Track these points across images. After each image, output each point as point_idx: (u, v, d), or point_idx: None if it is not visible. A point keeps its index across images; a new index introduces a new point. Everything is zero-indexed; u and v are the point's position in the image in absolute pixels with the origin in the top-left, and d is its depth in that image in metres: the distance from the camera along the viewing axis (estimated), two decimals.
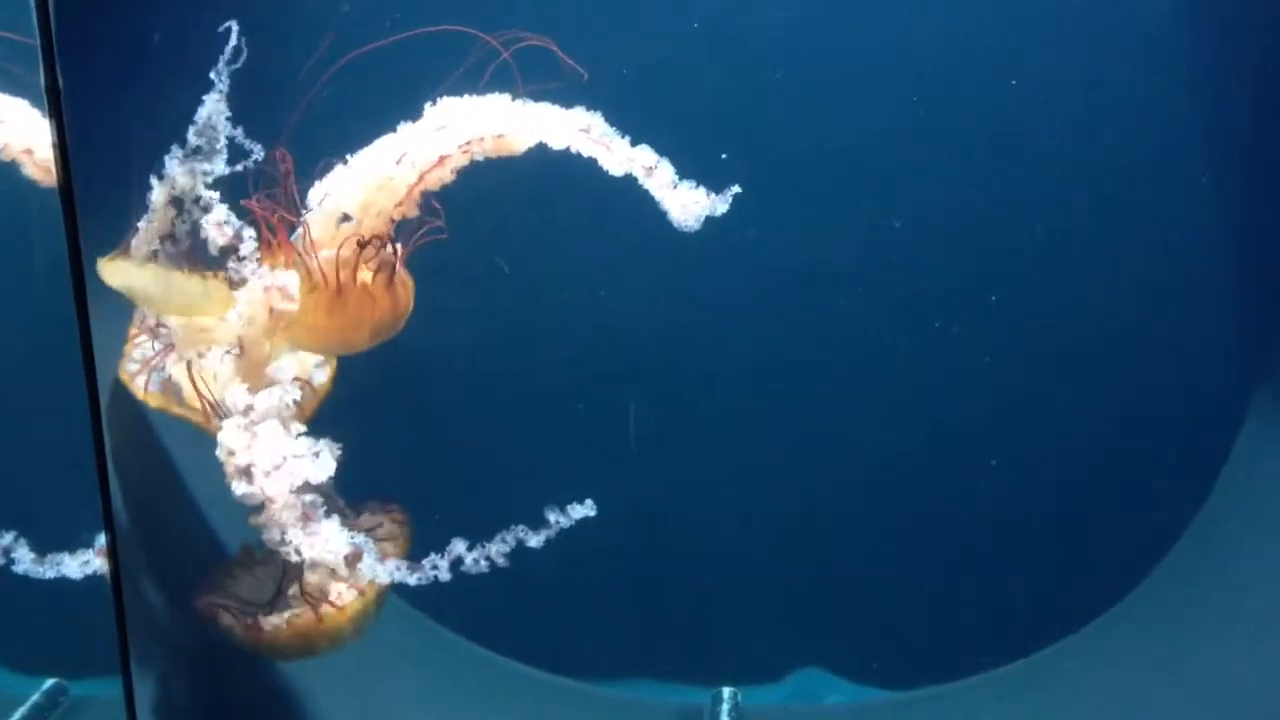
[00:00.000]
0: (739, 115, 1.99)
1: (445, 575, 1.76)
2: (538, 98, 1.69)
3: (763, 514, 2.22)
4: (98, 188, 1.76)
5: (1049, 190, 2.07)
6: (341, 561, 1.78)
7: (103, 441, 1.86)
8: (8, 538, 1.87)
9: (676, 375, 2.17)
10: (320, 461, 1.74)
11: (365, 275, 1.74)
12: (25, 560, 1.88)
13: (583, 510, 1.80)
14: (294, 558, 1.76)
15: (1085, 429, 2.17)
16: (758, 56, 1.98)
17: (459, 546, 1.77)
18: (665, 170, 1.65)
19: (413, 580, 1.79)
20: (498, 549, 1.77)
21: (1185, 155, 2.08)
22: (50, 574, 1.87)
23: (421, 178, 1.71)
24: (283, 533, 1.75)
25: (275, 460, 1.72)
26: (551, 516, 1.80)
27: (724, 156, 1.90)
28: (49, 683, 2.10)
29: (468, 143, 1.69)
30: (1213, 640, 2.14)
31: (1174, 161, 2.08)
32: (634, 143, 1.65)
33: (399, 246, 1.76)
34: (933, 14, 1.98)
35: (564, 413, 2.16)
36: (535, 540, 1.79)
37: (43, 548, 1.88)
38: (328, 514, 1.78)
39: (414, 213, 1.75)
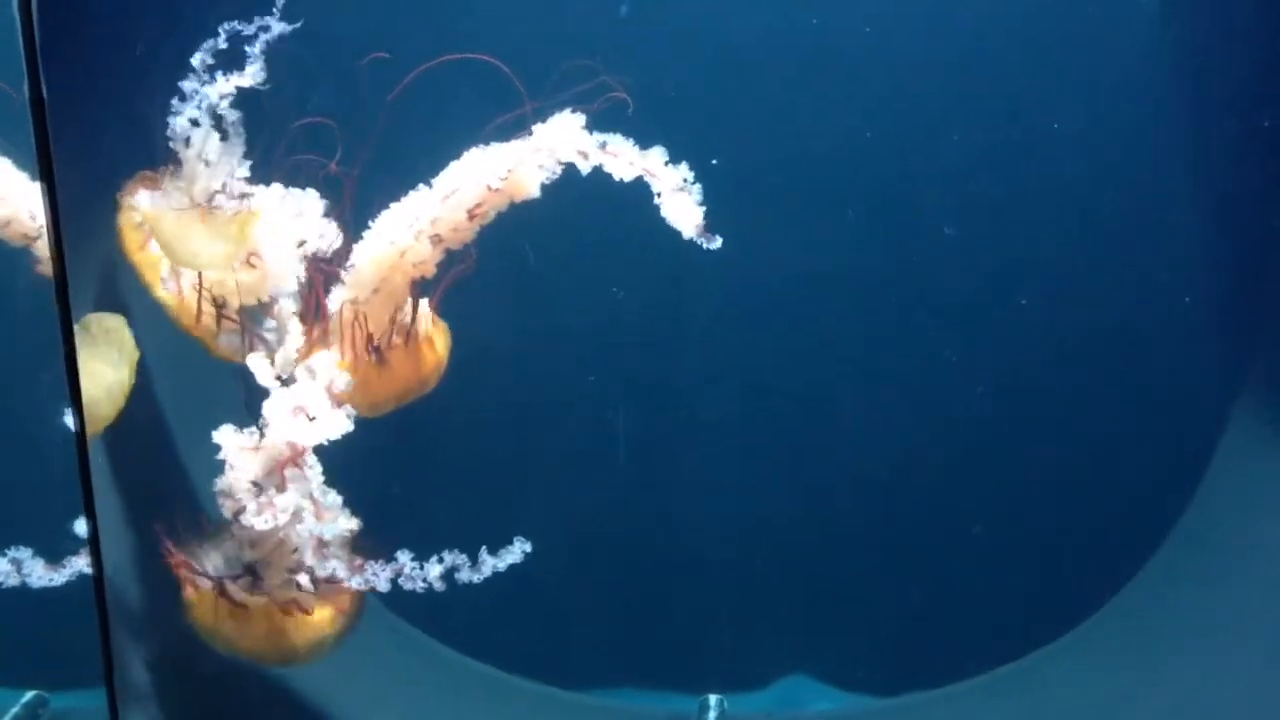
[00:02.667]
0: (741, 122, 2.00)
1: (384, 586, 1.76)
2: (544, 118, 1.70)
3: (748, 520, 2.22)
4: (80, 192, 1.75)
5: (1038, 201, 2.08)
6: (308, 539, 1.77)
7: (85, 448, 1.84)
8: (25, 552, 1.85)
9: (661, 383, 2.17)
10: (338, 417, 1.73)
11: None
12: (37, 569, 1.86)
13: (518, 551, 1.79)
14: (259, 525, 1.74)
15: (1067, 435, 2.18)
16: (755, 62, 1.99)
17: (404, 556, 1.77)
18: (670, 176, 1.67)
19: (353, 583, 1.78)
20: (435, 571, 1.77)
21: (1172, 164, 2.10)
22: (63, 579, 1.85)
23: (440, 244, 1.75)
24: (254, 498, 1.74)
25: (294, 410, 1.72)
26: (489, 560, 1.79)
27: (714, 162, 1.90)
28: (29, 695, 2.07)
29: (478, 205, 1.71)
30: (1198, 644, 2.15)
31: (1161, 170, 2.09)
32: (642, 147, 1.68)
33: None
34: (933, 23, 2.00)
35: (550, 420, 2.15)
36: (471, 575, 1.78)
37: (52, 555, 1.87)
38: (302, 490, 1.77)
39: (433, 273, 1.77)
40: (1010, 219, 2.08)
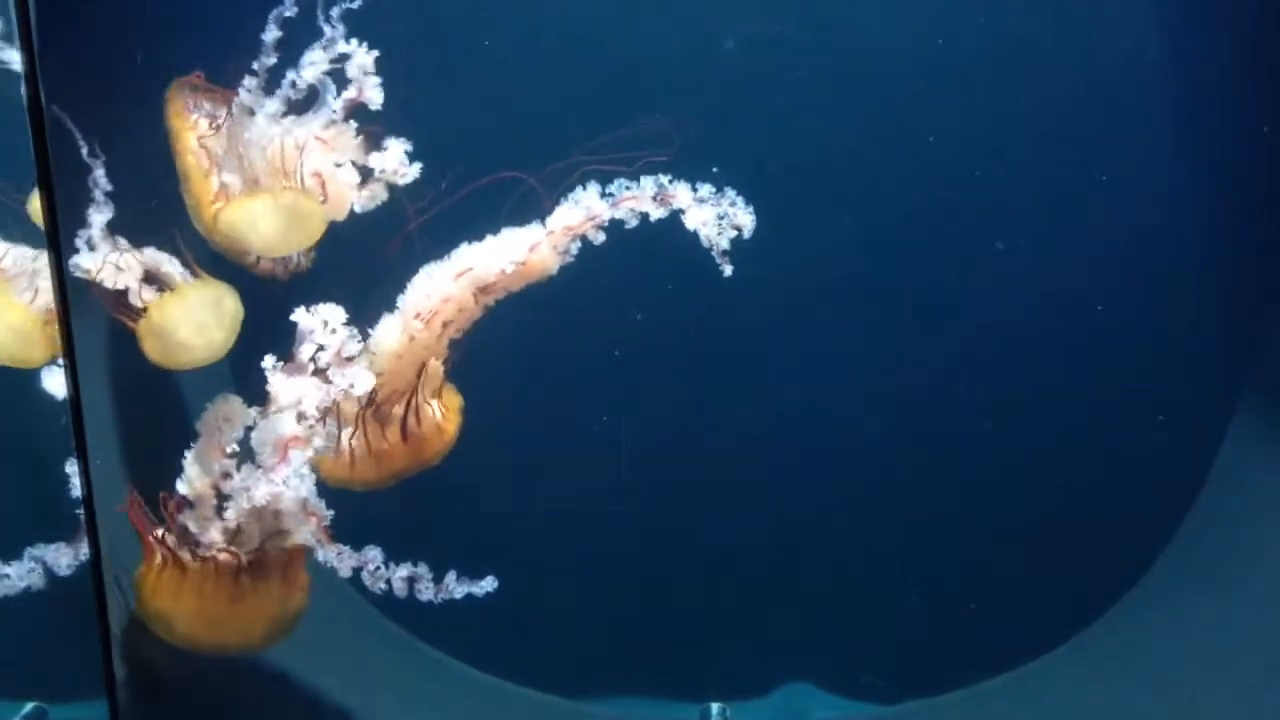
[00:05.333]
0: (752, 135, 2.01)
1: (346, 571, 1.74)
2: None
3: (751, 529, 2.22)
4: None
5: (1038, 203, 2.09)
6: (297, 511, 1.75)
7: (85, 449, 1.82)
8: (53, 550, 1.83)
9: (664, 393, 2.16)
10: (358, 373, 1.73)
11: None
12: (62, 558, 1.84)
13: (484, 586, 1.78)
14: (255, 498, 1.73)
15: (1070, 443, 2.18)
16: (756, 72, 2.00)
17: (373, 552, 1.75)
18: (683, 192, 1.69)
19: (319, 557, 1.76)
20: (402, 574, 1.75)
21: (1171, 164, 2.11)
22: (85, 555, 1.83)
23: (448, 327, 1.76)
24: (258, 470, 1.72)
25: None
26: (460, 588, 1.78)
27: (715, 170, 1.90)
28: (29, 706, 2.06)
29: (490, 285, 1.73)
30: (1200, 650, 2.15)
31: (1160, 170, 2.10)
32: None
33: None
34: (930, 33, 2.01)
35: (554, 430, 2.15)
36: (432, 594, 1.77)
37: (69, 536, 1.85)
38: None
39: (444, 355, 1.79)
40: (1015, 230, 2.09)
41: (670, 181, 1.73)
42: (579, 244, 1.74)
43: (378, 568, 1.75)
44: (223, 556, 1.77)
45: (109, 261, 1.71)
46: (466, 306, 1.76)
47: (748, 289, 1.88)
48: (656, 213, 1.72)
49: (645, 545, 2.21)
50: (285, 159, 1.70)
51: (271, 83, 1.70)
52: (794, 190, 2.02)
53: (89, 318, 1.75)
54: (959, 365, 2.17)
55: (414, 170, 1.72)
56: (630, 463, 2.13)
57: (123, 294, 1.72)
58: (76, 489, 1.82)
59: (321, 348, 1.69)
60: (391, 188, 1.74)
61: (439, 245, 1.75)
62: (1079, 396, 2.16)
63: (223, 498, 1.76)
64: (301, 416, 1.68)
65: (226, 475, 1.74)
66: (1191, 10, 2.05)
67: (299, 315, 1.68)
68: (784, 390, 2.19)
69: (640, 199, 1.72)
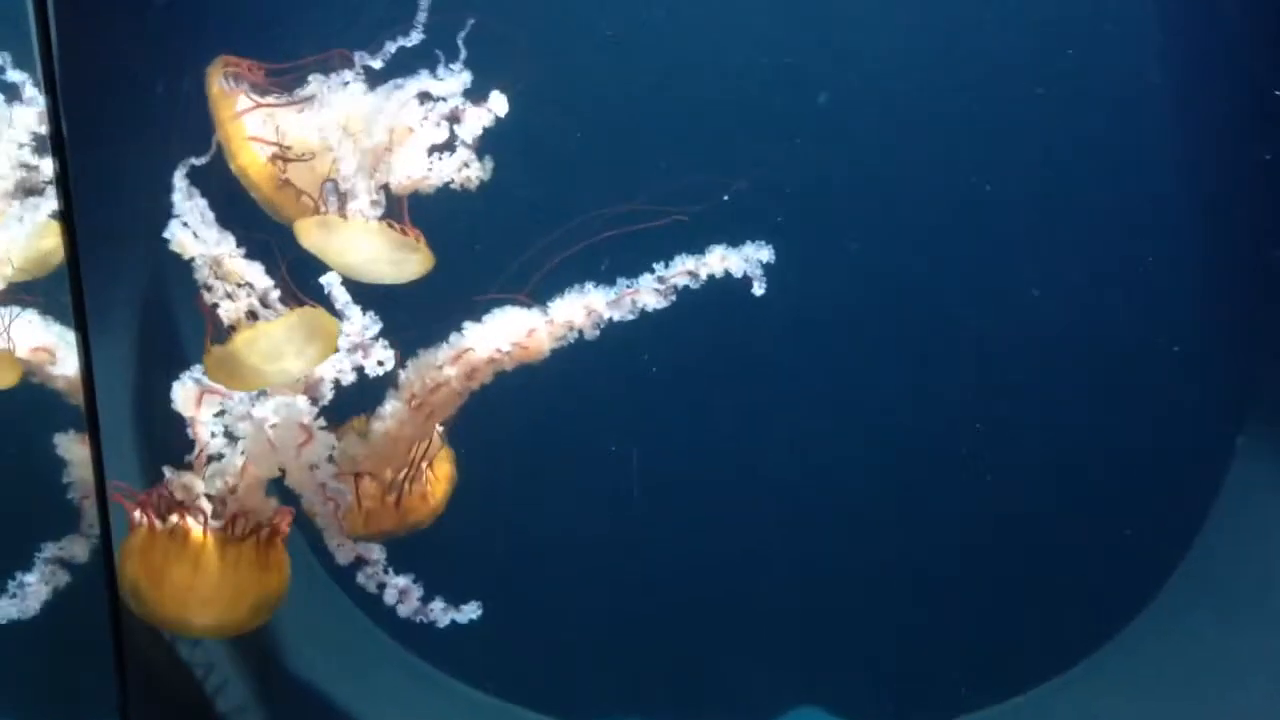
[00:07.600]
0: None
1: (344, 560, 1.74)
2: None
3: (757, 551, 2.22)
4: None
5: (1043, 210, 2.10)
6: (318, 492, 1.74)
7: (103, 473, 1.82)
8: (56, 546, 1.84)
9: (670, 419, 2.18)
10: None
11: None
12: (77, 550, 1.84)
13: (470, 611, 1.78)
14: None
15: (1078, 465, 2.19)
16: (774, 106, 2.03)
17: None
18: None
19: (328, 536, 1.75)
20: (399, 583, 1.75)
21: (1177, 179, 2.13)
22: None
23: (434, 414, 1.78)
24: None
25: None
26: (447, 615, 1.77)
27: (726, 198, 1.92)
28: None
29: (481, 366, 1.74)
30: (1206, 677, 2.15)
31: (1165, 186, 2.12)
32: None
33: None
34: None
35: (562, 455, 2.16)
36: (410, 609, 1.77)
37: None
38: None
39: (428, 435, 1.80)
40: (1023, 241, 2.11)
41: (666, 266, 1.73)
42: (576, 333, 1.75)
43: (374, 572, 1.74)
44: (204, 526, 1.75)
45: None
46: (457, 391, 1.76)
47: (759, 315, 1.91)
48: (655, 303, 1.72)
49: (654, 568, 2.22)
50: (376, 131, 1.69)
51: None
52: (809, 220, 2.04)
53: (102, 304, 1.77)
54: (966, 387, 2.17)
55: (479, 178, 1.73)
56: (641, 486, 2.14)
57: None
58: (70, 476, 1.83)
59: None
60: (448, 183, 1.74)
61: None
62: (1089, 421, 2.17)
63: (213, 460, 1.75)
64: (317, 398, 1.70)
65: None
66: (1192, 25, 2.08)
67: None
68: (792, 415, 2.20)
69: (641, 292, 1.73)
